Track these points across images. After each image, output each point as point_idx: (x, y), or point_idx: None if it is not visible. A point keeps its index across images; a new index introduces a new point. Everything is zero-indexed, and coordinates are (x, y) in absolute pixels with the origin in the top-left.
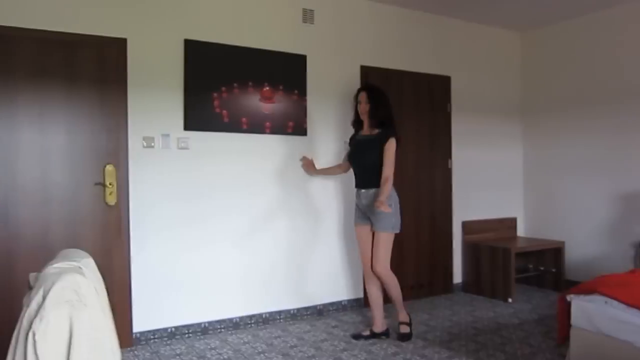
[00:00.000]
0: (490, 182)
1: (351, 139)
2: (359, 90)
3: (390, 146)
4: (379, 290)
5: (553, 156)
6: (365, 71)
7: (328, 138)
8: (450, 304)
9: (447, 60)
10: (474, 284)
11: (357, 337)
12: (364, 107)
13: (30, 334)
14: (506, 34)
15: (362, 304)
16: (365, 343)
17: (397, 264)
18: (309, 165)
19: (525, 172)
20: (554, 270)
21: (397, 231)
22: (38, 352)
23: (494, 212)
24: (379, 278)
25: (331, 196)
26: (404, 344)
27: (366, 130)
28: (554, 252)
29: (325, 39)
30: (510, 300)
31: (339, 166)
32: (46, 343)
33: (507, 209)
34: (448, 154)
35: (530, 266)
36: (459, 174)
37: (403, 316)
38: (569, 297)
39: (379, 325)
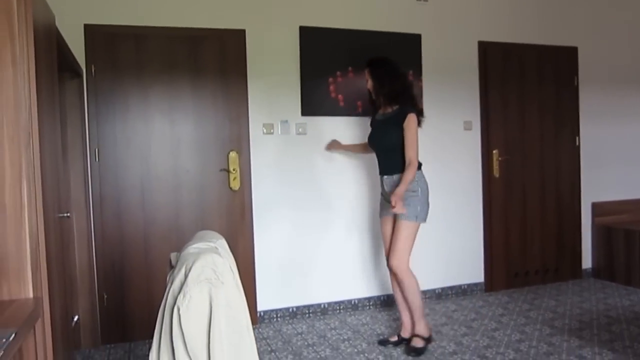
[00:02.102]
0: (624, 159)
1: (372, 120)
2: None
3: (410, 124)
4: (414, 285)
5: None
6: (484, 47)
7: (446, 118)
8: (579, 290)
9: (573, 30)
10: (606, 270)
11: (383, 342)
12: (370, 85)
13: (175, 309)
14: None
15: (482, 288)
16: (487, 328)
17: (521, 248)
18: (333, 145)
19: None
20: None
21: (423, 222)
22: (183, 326)
23: (629, 192)
24: (395, 275)
25: (447, 179)
26: (527, 330)
27: (383, 109)
28: None
29: (440, 16)
30: None
31: (364, 146)
32: (189, 318)
33: None
34: (576, 131)
35: None
36: (588, 152)
37: (420, 328)
38: None
39: (408, 329)
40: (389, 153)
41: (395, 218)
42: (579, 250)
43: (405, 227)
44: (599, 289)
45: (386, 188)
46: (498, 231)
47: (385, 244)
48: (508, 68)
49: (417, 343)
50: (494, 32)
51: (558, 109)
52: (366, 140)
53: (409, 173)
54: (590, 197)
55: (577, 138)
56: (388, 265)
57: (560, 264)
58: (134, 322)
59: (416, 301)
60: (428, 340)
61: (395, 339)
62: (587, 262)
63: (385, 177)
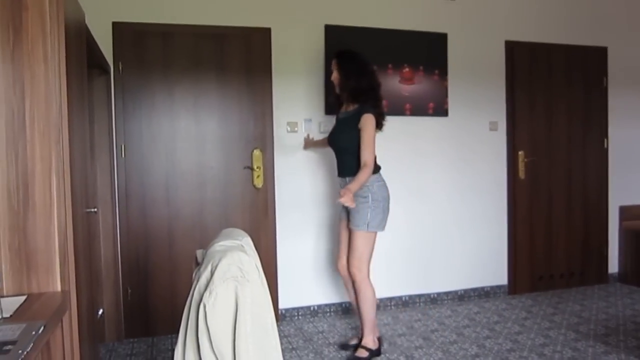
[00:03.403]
0: None
1: (336, 117)
2: (332, 59)
3: (366, 125)
4: (371, 296)
5: None
6: (511, 46)
7: (471, 119)
8: (605, 295)
9: (603, 30)
10: (634, 275)
11: (344, 347)
12: (335, 78)
13: (201, 306)
14: None
15: (506, 290)
16: (510, 332)
17: (546, 250)
18: (307, 143)
19: None
20: None
21: (375, 230)
22: (208, 323)
23: None
24: (353, 282)
25: (471, 180)
26: (551, 335)
27: (345, 107)
28: None
29: (467, 15)
30: None
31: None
32: (215, 315)
33: None
34: (604, 133)
35: None
36: (616, 154)
37: (368, 340)
38: None
39: (370, 342)
40: (344, 154)
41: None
42: (605, 254)
43: (356, 235)
44: (626, 294)
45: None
46: (523, 233)
47: (339, 248)
48: (535, 68)
49: (361, 354)
50: (521, 32)
51: (586, 110)
52: None
53: (363, 174)
54: (618, 200)
55: (605, 140)
56: (337, 269)
57: (586, 268)
58: (157, 316)
59: (369, 313)
60: (374, 353)
61: (355, 341)
62: (613, 266)
63: (340, 179)
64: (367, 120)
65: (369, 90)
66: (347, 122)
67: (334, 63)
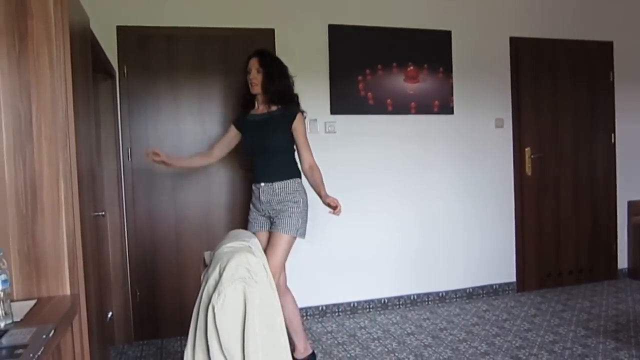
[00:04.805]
0: None
1: (238, 120)
2: (248, 58)
3: (301, 125)
4: (291, 304)
5: None
6: (515, 43)
7: (476, 116)
8: (614, 291)
9: (608, 24)
10: None
11: None
12: (255, 78)
13: (210, 308)
14: None
15: (514, 288)
16: (520, 329)
17: (554, 247)
18: (157, 157)
19: None
20: None
21: (301, 237)
22: (217, 324)
23: None
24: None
25: (478, 177)
26: (561, 331)
27: (261, 108)
28: None
29: (470, 12)
30: None
31: (206, 155)
32: (224, 316)
33: None
34: (611, 128)
35: None
36: (624, 149)
37: (300, 350)
38: None
39: (301, 350)
40: (273, 157)
41: (270, 232)
42: (614, 250)
43: (284, 241)
44: (636, 289)
45: (263, 198)
46: (530, 230)
47: None
48: (540, 64)
49: None
50: (525, 28)
51: (593, 106)
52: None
53: (320, 174)
54: (627, 196)
55: (612, 135)
56: None
57: (594, 264)
58: (166, 318)
59: (296, 320)
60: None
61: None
62: (623, 262)
63: (262, 184)
64: (301, 120)
65: (290, 92)
66: (274, 123)
67: (255, 62)
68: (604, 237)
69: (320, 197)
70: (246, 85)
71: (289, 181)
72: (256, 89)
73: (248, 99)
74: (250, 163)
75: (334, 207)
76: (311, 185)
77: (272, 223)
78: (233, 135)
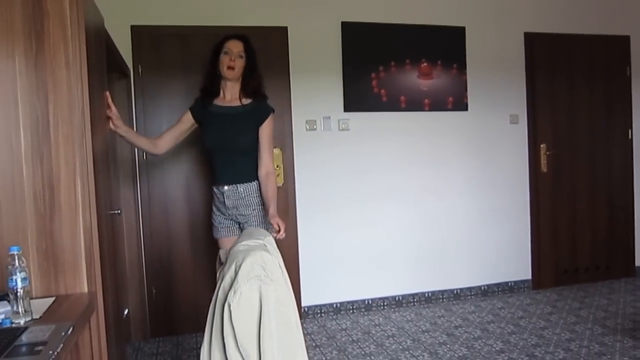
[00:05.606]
0: None
1: (198, 109)
2: (226, 38)
3: (269, 126)
4: None
5: None
6: (530, 38)
7: (491, 112)
8: (632, 288)
9: (625, 18)
10: None
11: None
12: (237, 61)
13: (226, 306)
14: None
15: (529, 285)
16: (535, 327)
17: (570, 244)
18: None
19: None
20: None
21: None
22: (233, 322)
23: None
24: None
25: (492, 174)
26: (578, 329)
27: (230, 99)
28: None
29: (484, 8)
30: None
31: (152, 144)
32: (240, 314)
33: None
34: (628, 124)
35: None
36: None
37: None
38: None
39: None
40: (238, 157)
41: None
42: (631, 247)
43: None
44: None
45: (228, 202)
46: (546, 227)
47: None
48: (555, 59)
49: None
50: (540, 23)
51: (609, 101)
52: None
53: (275, 185)
54: None
55: (629, 131)
56: None
57: (611, 262)
58: (182, 315)
59: None
60: None
61: None
62: None
63: (226, 188)
64: (272, 121)
65: (261, 88)
66: (244, 119)
67: (239, 45)
68: (620, 234)
69: (267, 212)
70: (212, 68)
71: (253, 183)
72: (232, 73)
73: (212, 85)
74: (208, 161)
75: (276, 231)
76: (262, 193)
77: (242, 230)
78: (188, 127)
